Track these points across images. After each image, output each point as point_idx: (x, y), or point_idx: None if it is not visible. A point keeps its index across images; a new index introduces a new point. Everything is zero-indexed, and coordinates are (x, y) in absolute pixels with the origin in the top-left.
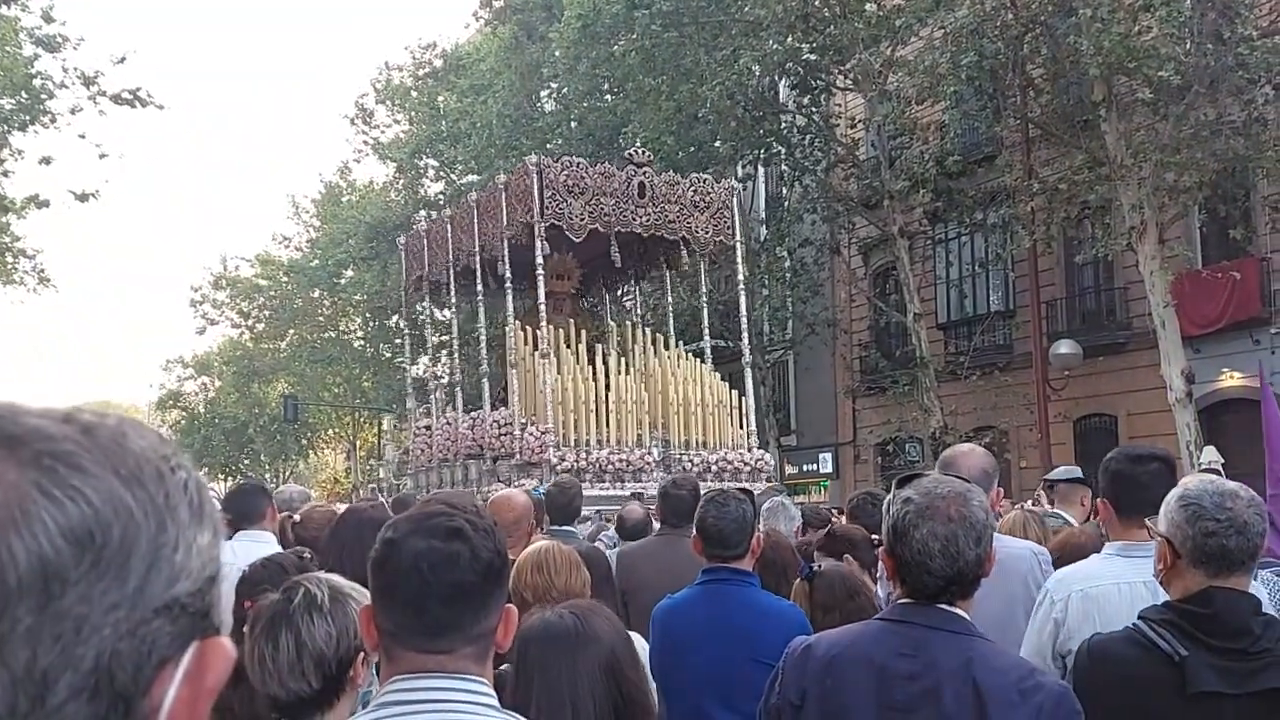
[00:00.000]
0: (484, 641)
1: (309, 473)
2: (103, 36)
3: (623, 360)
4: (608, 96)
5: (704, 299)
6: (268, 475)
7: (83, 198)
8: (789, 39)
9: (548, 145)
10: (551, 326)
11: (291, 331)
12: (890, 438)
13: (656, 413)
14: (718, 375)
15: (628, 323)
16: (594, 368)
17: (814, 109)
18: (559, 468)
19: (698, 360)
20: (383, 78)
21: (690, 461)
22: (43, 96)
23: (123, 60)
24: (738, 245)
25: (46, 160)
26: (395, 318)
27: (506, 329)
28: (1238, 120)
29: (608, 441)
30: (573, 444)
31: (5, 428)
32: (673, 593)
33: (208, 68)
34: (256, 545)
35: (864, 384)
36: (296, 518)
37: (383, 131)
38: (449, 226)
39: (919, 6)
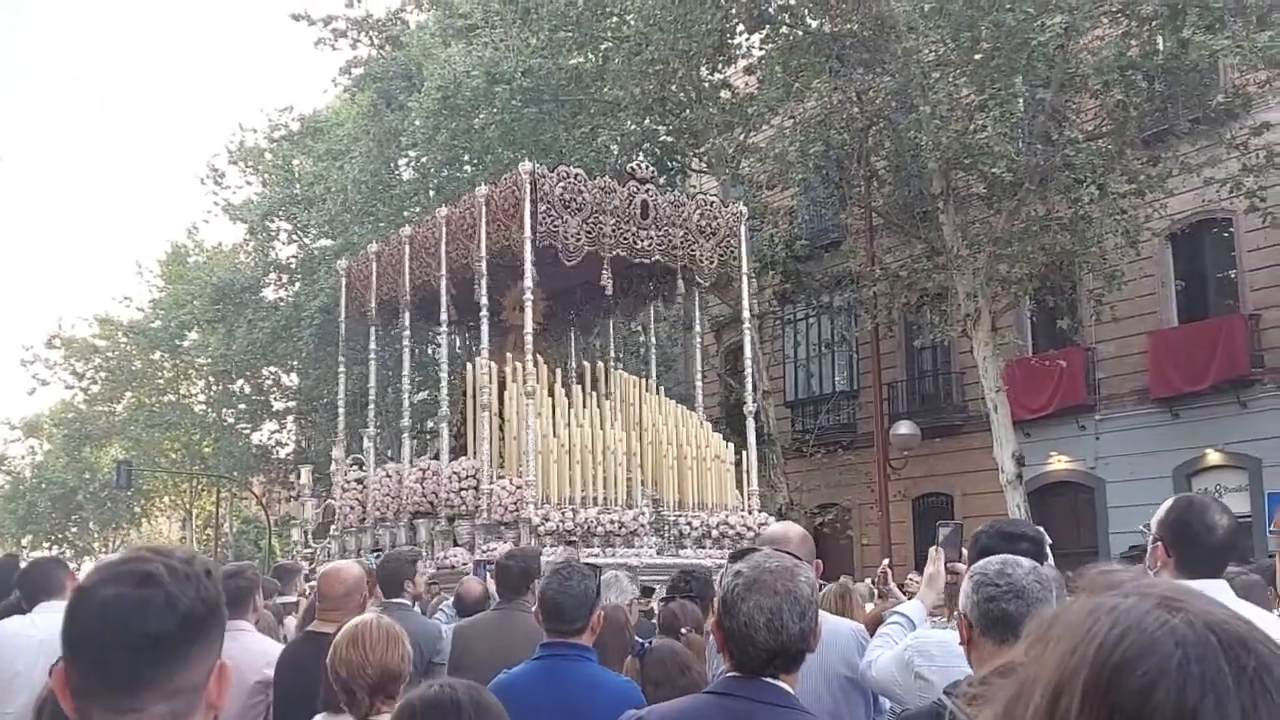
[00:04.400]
0: (185, 698)
1: (142, 541)
2: None
3: (604, 405)
4: (467, 167)
5: (698, 338)
6: (96, 544)
7: None
8: (646, 120)
9: (404, 213)
10: (526, 363)
11: (129, 394)
12: None
13: (647, 467)
14: (708, 425)
15: (600, 363)
16: (573, 413)
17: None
18: (541, 529)
19: (684, 409)
20: (236, 138)
21: (689, 524)
22: None
23: None
24: (745, 278)
25: None
26: (240, 382)
27: (468, 365)
28: (1065, 217)
29: (594, 500)
30: (554, 501)
31: None
32: (508, 668)
33: (46, 121)
34: (59, 616)
35: None
36: None
37: (234, 192)
38: (406, 248)
39: (770, 96)
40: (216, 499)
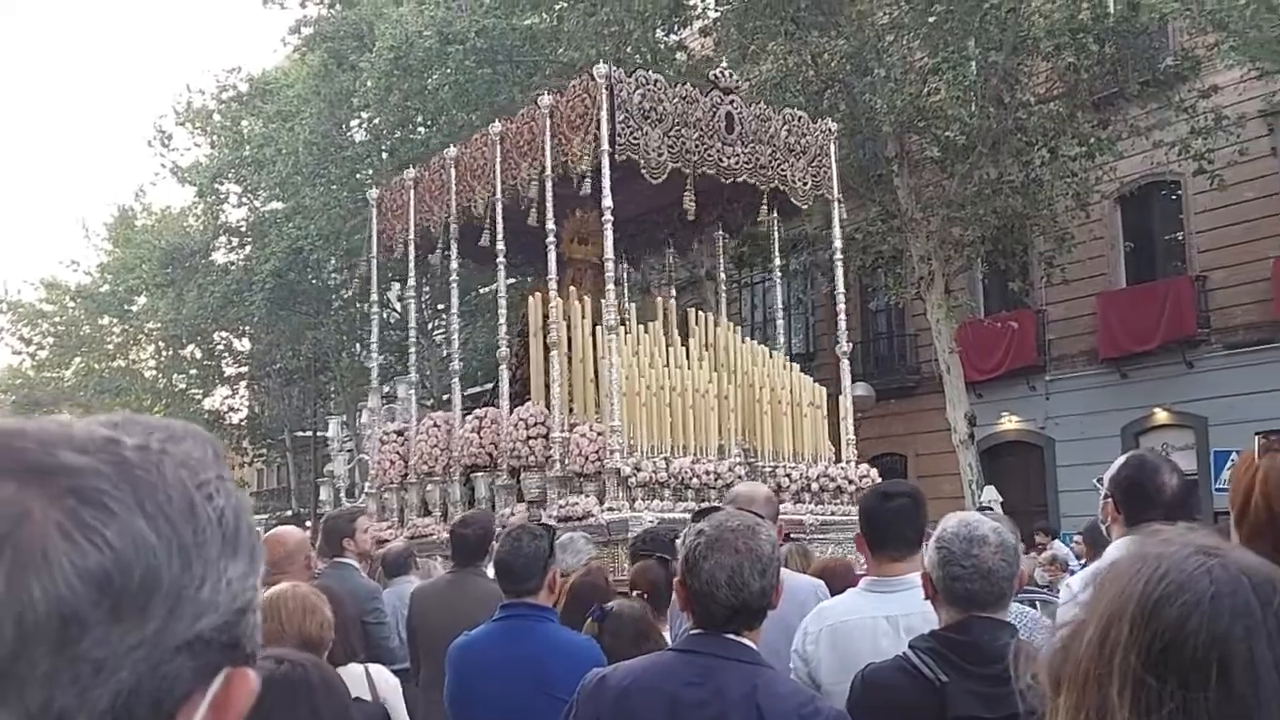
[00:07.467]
0: None
1: None
2: None
3: (690, 344)
4: (420, 129)
5: (777, 271)
6: None
7: None
8: None
9: (357, 175)
10: (608, 294)
11: (77, 360)
12: None
13: (739, 414)
14: (796, 368)
15: (673, 301)
16: (656, 351)
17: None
18: (631, 481)
19: (773, 351)
20: (184, 100)
21: (787, 476)
22: None
23: None
24: (836, 202)
25: None
26: (190, 347)
27: (530, 301)
28: (1017, 180)
29: (683, 448)
30: (641, 451)
31: (39, 460)
32: (465, 631)
33: None
34: None
35: None
36: None
37: (182, 155)
38: (451, 171)
39: (726, 58)
40: None
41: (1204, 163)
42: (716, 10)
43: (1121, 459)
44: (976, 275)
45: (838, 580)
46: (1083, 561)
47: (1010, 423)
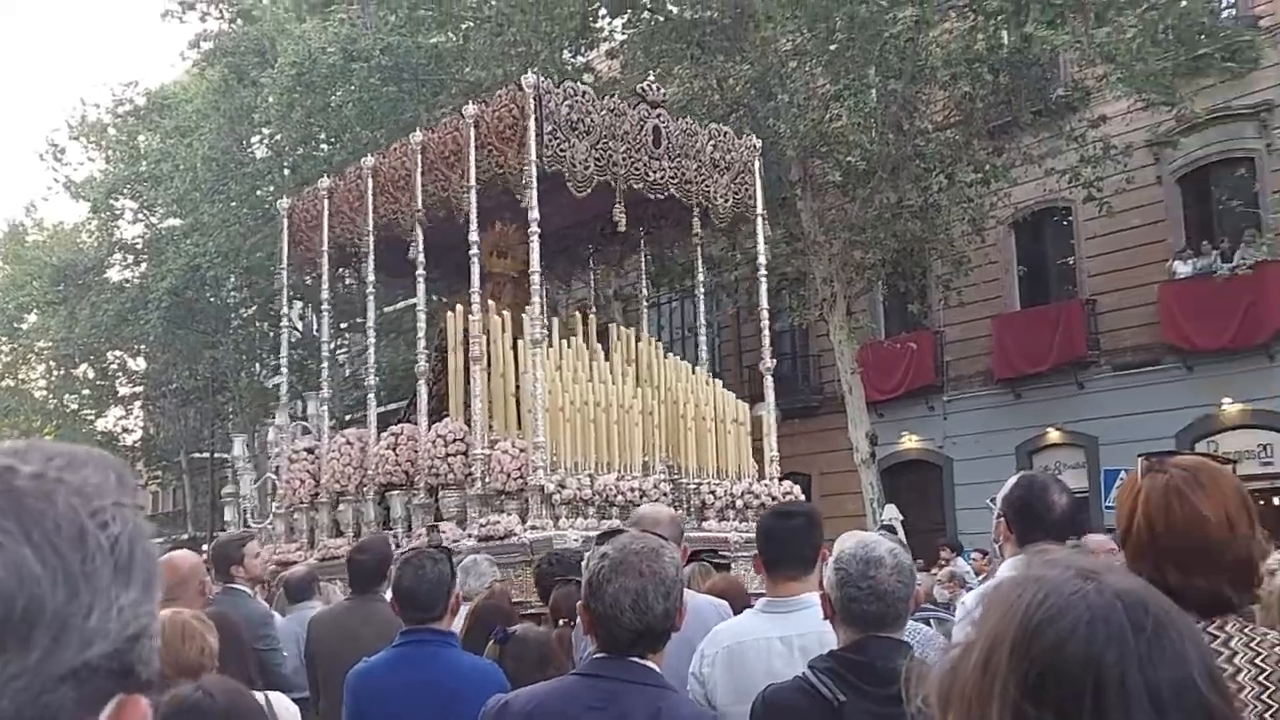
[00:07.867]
0: None
1: None
2: None
3: (613, 359)
4: (324, 146)
5: (700, 288)
6: None
7: None
8: None
9: (258, 191)
10: (532, 308)
11: None
12: None
13: (663, 430)
14: (719, 383)
15: (593, 315)
16: (579, 365)
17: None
18: (555, 498)
19: (694, 366)
20: (78, 113)
21: (712, 493)
22: None
23: None
24: (759, 219)
25: None
26: (83, 366)
27: (449, 315)
28: (915, 205)
29: (607, 465)
30: (565, 467)
31: None
32: (365, 657)
33: None
34: None
35: None
36: None
37: (75, 169)
38: (369, 181)
39: (633, 81)
40: None
41: (1093, 190)
42: (623, 33)
43: (1013, 479)
44: (877, 297)
45: (735, 602)
46: (981, 578)
47: (910, 442)
